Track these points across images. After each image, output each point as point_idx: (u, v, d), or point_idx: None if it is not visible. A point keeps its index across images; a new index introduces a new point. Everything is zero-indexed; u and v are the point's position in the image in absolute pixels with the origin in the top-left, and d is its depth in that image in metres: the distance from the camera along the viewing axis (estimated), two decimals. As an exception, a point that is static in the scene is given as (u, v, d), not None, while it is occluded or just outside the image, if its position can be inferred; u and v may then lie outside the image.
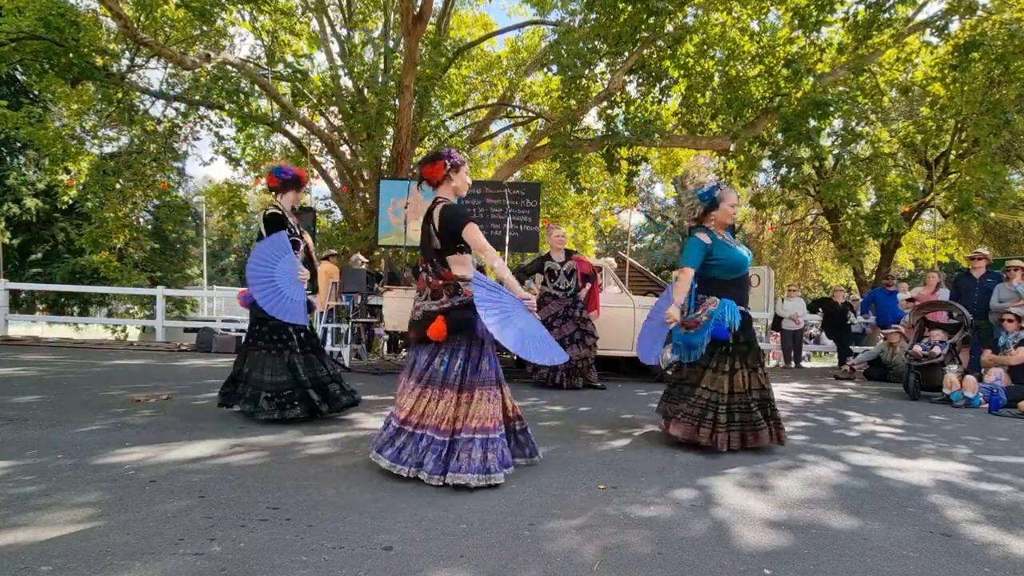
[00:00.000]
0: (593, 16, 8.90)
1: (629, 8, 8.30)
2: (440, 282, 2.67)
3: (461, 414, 2.59)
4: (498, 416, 2.64)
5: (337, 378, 3.93)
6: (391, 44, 12.07)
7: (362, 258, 8.98)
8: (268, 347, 3.75)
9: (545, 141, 10.73)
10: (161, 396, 4.49)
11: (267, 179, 3.99)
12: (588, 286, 6.01)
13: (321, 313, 7.34)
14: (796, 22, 9.03)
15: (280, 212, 3.78)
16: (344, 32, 12.92)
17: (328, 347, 7.50)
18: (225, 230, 33.72)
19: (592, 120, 13.97)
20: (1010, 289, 6.50)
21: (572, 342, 5.78)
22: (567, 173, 10.15)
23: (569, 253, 6.02)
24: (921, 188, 12.46)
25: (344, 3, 12.94)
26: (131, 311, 21.26)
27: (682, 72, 9.57)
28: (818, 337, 14.21)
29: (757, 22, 10.27)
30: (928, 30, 9.74)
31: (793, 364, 9.80)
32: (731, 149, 10.15)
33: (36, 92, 15.02)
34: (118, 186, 11.30)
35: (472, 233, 2.61)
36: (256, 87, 11.32)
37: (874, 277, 15.10)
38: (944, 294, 7.87)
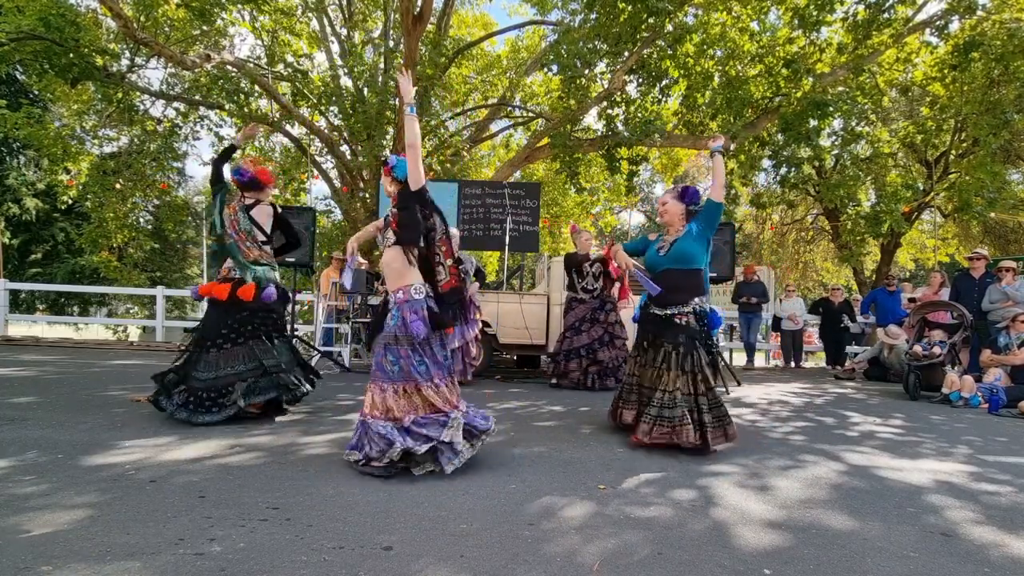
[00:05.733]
0: (593, 16, 8.90)
1: (629, 8, 8.31)
2: None
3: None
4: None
5: (277, 368, 3.75)
6: (391, 44, 12.07)
7: (360, 259, 8.98)
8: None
9: (545, 141, 10.72)
10: (161, 396, 4.49)
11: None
12: (617, 285, 6.18)
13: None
14: (796, 22, 9.04)
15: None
16: (344, 32, 12.92)
17: (327, 347, 7.52)
18: (225, 230, 33.69)
19: (592, 120, 13.98)
20: (1000, 290, 6.49)
21: (602, 345, 5.97)
22: (567, 173, 10.16)
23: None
24: (921, 188, 12.44)
25: (344, 3, 12.94)
26: (131, 311, 21.30)
27: (682, 72, 9.58)
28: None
29: (757, 22, 10.27)
30: (928, 30, 9.75)
31: (793, 364, 9.79)
32: (731, 149, 10.16)
33: (36, 92, 15.01)
34: (118, 186, 11.31)
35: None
36: (256, 87, 11.31)
37: (874, 277, 15.08)
38: (945, 294, 7.87)
